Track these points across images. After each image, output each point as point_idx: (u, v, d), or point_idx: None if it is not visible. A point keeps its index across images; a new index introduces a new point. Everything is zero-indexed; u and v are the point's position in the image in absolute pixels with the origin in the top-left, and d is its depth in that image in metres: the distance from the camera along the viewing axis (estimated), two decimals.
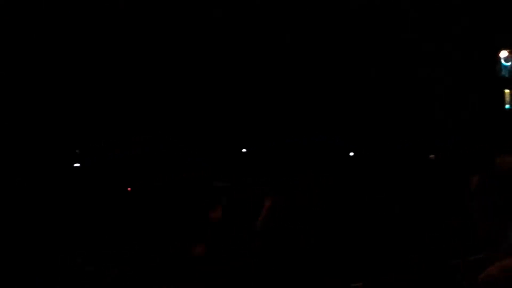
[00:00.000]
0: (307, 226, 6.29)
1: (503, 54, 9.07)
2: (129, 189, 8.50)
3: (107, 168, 8.65)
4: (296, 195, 6.75)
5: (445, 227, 7.66)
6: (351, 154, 8.66)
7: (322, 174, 8.26)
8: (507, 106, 9.00)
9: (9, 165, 8.47)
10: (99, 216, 8.34)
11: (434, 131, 8.78)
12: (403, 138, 8.76)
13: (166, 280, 7.51)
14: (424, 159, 8.70)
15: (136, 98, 9.19)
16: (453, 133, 8.80)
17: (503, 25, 8.86)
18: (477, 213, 3.13)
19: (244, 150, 9.00)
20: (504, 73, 9.10)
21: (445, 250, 7.22)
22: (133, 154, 8.75)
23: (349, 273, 7.01)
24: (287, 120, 8.89)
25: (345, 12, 8.98)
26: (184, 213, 8.19)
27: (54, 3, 8.98)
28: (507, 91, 9.07)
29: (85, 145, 8.82)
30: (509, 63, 9.09)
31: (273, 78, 8.97)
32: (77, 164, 8.82)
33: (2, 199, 8.13)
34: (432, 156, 8.55)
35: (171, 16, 9.07)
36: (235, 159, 8.87)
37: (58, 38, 8.96)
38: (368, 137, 8.75)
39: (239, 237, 6.98)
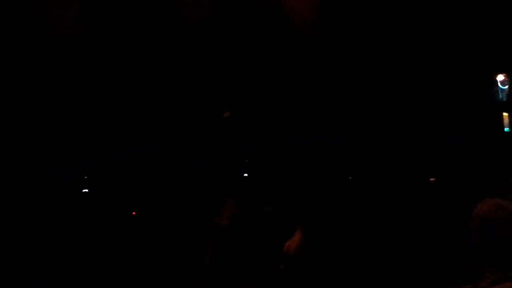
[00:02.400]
0: (308, 227, 6.29)
1: (500, 78, 9.24)
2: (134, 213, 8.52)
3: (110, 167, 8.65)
4: (296, 195, 6.75)
5: (445, 228, 7.69)
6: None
7: (322, 174, 8.26)
8: (506, 129, 9.13)
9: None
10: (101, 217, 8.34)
11: (434, 132, 8.80)
12: (403, 138, 8.78)
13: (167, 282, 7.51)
14: (424, 160, 8.71)
15: (135, 98, 9.17)
16: (453, 136, 8.84)
17: (499, 49, 8.96)
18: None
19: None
20: (502, 96, 9.26)
21: (445, 251, 7.24)
22: (133, 154, 8.75)
23: (349, 273, 7.02)
24: (287, 120, 8.88)
25: (343, 11, 8.97)
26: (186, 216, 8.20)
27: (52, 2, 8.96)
28: (505, 114, 9.20)
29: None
30: (506, 87, 9.24)
31: (273, 78, 8.96)
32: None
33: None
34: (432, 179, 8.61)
35: (170, 15, 9.06)
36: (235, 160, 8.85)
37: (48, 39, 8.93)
38: (368, 137, 8.76)
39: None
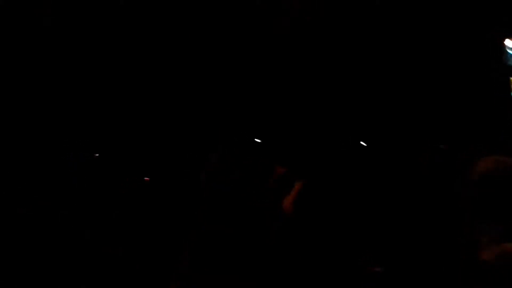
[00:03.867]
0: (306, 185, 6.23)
1: (509, 43, 9.30)
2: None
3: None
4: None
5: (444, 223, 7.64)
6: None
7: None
8: None
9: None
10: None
11: (441, 94, 8.77)
12: (404, 135, 8.75)
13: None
14: (422, 157, 8.65)
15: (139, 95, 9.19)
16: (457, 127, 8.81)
17: (507, 14, 8.95)
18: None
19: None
20: (510, 61, 9.32)
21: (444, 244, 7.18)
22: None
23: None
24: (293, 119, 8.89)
25: (343, 12, 8.97)
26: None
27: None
28: None
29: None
30: None
31: (275, 78, 8.97)
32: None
33: None
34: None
35: (169, 15, 9.07)
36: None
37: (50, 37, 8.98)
38: (368, 135, 8.74)
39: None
